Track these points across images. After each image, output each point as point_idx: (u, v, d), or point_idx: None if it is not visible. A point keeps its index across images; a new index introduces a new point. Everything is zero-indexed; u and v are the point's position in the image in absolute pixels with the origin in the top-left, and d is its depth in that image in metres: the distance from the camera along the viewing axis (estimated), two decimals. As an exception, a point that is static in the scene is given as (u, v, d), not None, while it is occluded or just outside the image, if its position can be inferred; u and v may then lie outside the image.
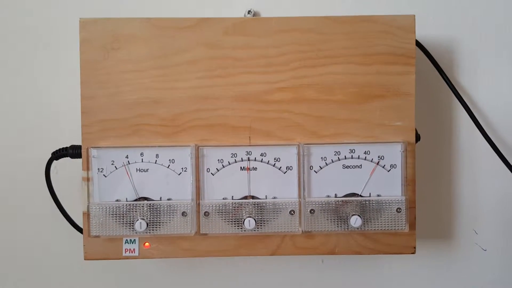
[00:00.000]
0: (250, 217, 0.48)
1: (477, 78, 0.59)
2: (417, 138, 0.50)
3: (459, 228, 0.61)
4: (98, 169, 0.48)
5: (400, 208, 0.48)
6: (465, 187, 0.60)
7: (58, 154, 0.53)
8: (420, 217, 0.58)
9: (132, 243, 0.49)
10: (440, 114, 0.60)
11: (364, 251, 0.50)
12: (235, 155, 0.48)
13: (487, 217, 0.60)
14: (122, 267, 0.62)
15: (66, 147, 0.52)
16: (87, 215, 0.48)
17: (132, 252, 0.49)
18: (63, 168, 0.60)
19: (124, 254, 0.49)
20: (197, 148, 0.48)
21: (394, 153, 0.48)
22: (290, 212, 0.48)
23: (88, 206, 0.48)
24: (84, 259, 0.50)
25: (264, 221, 0.48)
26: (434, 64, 0.56)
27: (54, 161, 0.53)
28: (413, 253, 0.50)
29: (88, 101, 0.48)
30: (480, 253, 0.61)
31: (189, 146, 0.48)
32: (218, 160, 0.49)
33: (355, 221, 0.48)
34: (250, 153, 0.48)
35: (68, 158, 0.52)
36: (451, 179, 0.60)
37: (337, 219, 0.48)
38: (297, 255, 0.50)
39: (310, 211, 0.48)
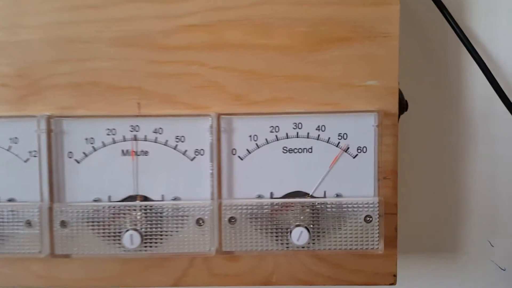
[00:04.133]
0: (135, 229, 0.33)
1: (497, 24, 0.48)
2: (403, 106, 0.38)
3: (469, 240, 0.49)
4: None
5: (370, 216, 0.34)
6: (477, 180, 0.48)
7: None
8: (413, 225, 0.47)
9: (-40, 265, 0.34)
10: (442, 73, 0.47)
11: (317, 281, 0.36)
12: (114, 131, 0.35)
13: (507, 223, 0.49)
14: None
15: None
16: None
17: (-39, 279, 0.35)
18: None
19: (-51, 281, 0.35)
20: (49, 121, 0.34)
21: (363, 129, 0.35)
22: (197, 221, 0.34)
23: None
24: None
25: (159, 235, 0.34)
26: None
27: None
28: (393, 283, 0.36)
29: None
30: (498, 273, 0.50)
31: (36, 116, 0.34)
32: (86, 139, 0.35)
33: (299, 235, 0.34)
34: (137, 129, 0.35)
35: None
36: (455, 169, 0.48)
37: (274, 232, 0.34)
38: (214, 286, 0.35)
39: (230, 220, 0.34)
